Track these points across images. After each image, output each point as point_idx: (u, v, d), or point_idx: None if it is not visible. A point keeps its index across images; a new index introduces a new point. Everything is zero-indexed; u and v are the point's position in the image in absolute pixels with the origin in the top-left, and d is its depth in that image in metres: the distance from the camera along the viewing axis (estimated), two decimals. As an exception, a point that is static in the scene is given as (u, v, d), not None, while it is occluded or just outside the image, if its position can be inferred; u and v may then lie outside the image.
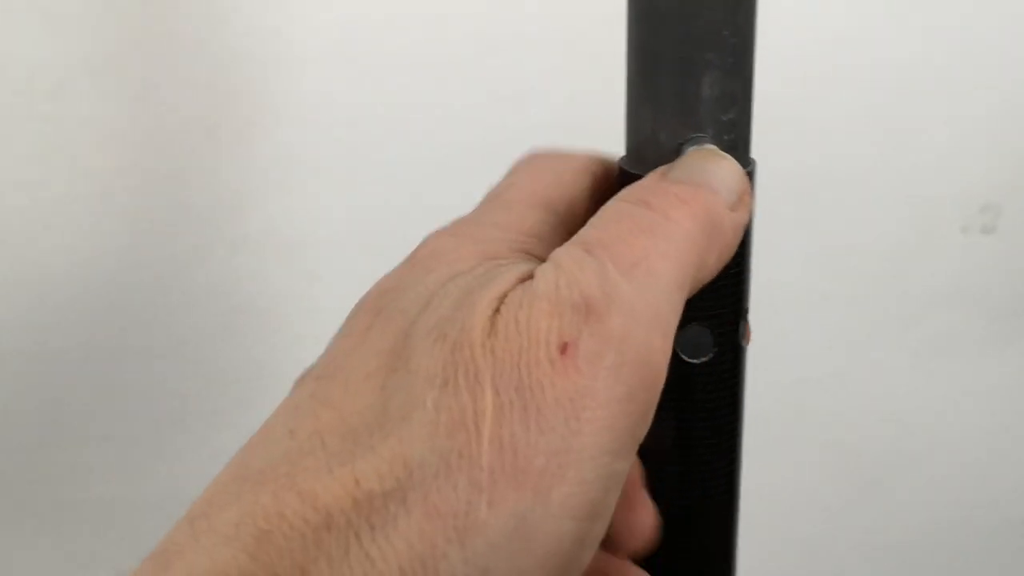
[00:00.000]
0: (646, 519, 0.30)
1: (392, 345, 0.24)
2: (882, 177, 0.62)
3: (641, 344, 0.23)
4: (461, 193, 0.29)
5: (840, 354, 0.66)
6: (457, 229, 0.27)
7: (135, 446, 0.54)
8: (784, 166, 0.55)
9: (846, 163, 0.61)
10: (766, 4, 0.28)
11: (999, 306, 0.68)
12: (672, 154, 0.27)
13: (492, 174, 0.30)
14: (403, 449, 0.21)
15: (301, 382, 0.25)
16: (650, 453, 0.30)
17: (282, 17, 0.49)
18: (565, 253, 0.24)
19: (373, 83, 0.51)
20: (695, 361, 0.28)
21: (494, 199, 0.29)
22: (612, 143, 0.30)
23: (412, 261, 0.26)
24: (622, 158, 0.29)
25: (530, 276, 0.24)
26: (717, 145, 0.27)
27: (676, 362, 0.28)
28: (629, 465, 0.23)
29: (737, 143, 0.28)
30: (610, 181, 0.30)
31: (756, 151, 0.29)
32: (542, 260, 0.26)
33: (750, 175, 0.28)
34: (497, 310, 0.23)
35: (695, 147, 0.27)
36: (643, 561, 0.31)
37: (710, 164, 0.26)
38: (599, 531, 0.23)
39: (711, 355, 0.29)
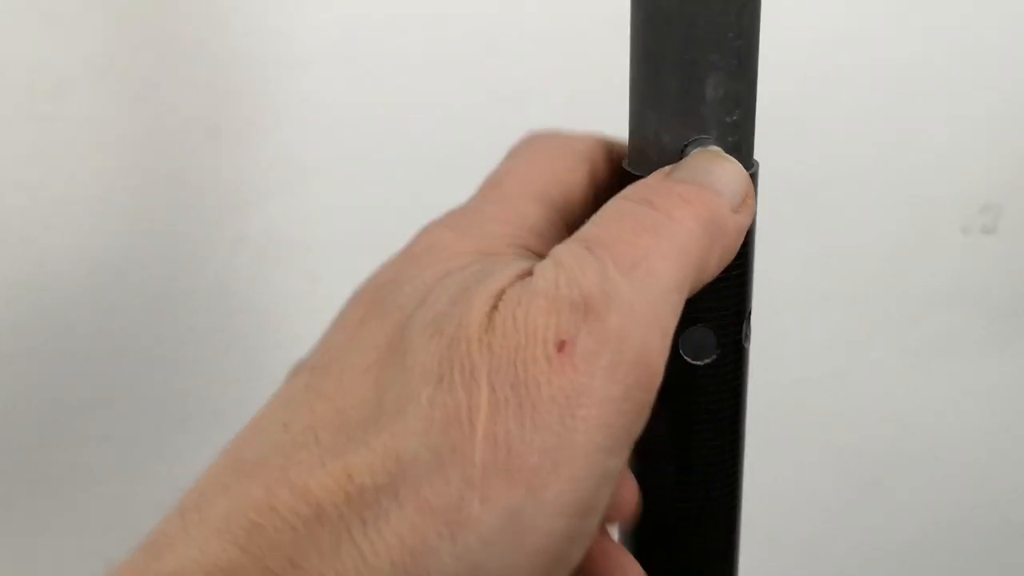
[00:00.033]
0: (628, 494, 0.30)
1: (388, 340, 0.24)
2: (882, 177, 0.62)
3: (639, 343, 0.23)
4: (461, 193, 0.29)
5: (840, 354, 0.66)
6: (454, 222, 0.27)
7: (135, 446, 0.54)
8: (784, 166, 0.55)
9: (846, 163, 0.61)
10: (766, 4, 0.28)
11: (999, 306, 0.68)
12: (676, 156, 0.27)
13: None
14: (396, 444, 0.21)
15: (295, 373, 0.25)
16: (653, 454, 0.30)
17: (282, 17, 0.49)
18: (566, 251, 0.24)
19: (373, 83, 0.51)
20: (698, 363, 0.28)
21: (492, 188, 0.29)
22: (613, 144, 0.30)
23: (409, 254, 0.26)
24: (625, 159, 0.29)
25: (528, 273, 0.24)
26: (721, 147, 0.27)
27: (679, 364, 0.28)
28: (623, 463, 0.23)
29: (741, 145, 0.28)
30: (610, 164, 0.30)
31: (756, 151, 0.29)
32: (539, 255, 0.26)
33: (753, 177, 0.28)
34: (495, 307, 0.23)
35: (699, 149, 0.27)
36: (644, 562, 0.31)
37: (714, 166, 0.26)
38: (591, 528, 0.23)
39: (714, 357, 0.28)
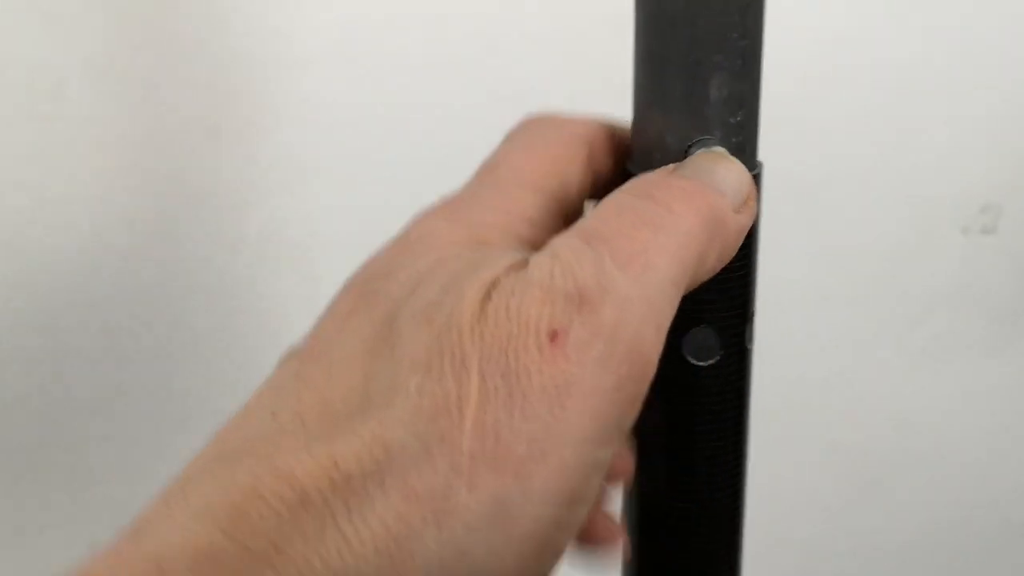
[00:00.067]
0: (622, 467, 0.30)
1: (378, 329, 0.24)
2: (882, 177, 0.62)
3: (633, 336, 0.22)
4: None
5: (840, 354, 0.66)
6: (448, 211, 0.27)
7: (135, 446, 0.54)
8: (784, 166, 0.54)
9: (846, 163, 0.61)
10: (767, 5, 0.28)
11: (999, 306, 0.68)
12: (679, 157, 0.27)
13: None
14: (384, 432, 0.21)
15: (285, 361, 0.25)
16: (656, 454, 0.30)
17: (282, 17, 0.49)
18: (564, 243, 0.24)
19: (373, 83, 0.51)
20: (702, 364, 0.28)
21: (487, 174, 0.28)
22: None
23: (401, 243, 0.26)
24: (628, 160, 0.29)
25: (521, 264, 0.24)
26: (725, 148, 0.27)
27: (683, 365, 0.28)
28: (612, 453, 0.23)
29: (745, 145, 0.28)
30: (610, 147, 0.29)
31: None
32: (533, 244, 0.26)
33: (757, 177, 0.28)
34: (488, 296, 0.23)
35: (703, 149, 0.27)
36: (646, 562, 0.31)
37: (718, 166, 0.26)
38: (579, 516, 0.23)
39: (718, 358, 0.28)
